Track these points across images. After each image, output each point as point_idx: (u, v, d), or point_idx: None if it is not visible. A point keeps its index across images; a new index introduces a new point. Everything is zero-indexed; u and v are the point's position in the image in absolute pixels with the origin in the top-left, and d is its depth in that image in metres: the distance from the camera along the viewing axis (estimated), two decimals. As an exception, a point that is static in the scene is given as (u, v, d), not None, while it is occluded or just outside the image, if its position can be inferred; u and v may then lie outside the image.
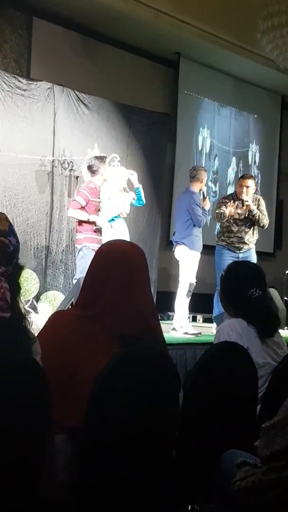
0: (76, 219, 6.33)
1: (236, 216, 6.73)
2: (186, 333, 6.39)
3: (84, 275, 2.27)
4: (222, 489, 1.60)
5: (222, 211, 6.68)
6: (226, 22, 8.78)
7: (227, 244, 6.80)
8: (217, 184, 10.38)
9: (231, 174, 10.58)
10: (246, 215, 6.75)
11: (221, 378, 1.86)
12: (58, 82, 7.92)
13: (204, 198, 6.76)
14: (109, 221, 6.37)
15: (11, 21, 7.87)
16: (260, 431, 1.52)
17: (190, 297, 6.64)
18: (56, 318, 2.11)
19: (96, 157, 6.55)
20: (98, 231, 6.30)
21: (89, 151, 7.45)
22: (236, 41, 9.13)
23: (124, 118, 8.64)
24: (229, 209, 6.64)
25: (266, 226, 6.95)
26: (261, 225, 6.81)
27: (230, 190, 9.96)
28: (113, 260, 2.10)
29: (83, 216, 6.24)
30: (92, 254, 6.00)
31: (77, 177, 7.54)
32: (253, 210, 6.71)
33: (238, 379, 1.87)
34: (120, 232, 6.34)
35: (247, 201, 6.68)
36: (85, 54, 8.49)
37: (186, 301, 6.62)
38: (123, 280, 2.05)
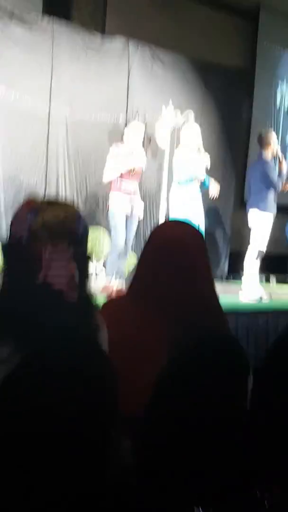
0: None
1: None
2: (261, 297, 6.38)
3: None
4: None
5: None
6: None
7: None
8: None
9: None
10: None
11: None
12: (133, 36, 7.76)
13: (280, 161, 6.61)
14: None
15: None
16: None
17: (260, 261, 6.60)
18: (109, 308, 2.07)
19: None
20: None
21: (163, 108, 7.30)
22: None
23: (200, 75, 8.43)
24: None
25: None
26: None
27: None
28: (164, 248, 2.04)
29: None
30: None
31: (149, 138, 7.42)
32: None
33: None
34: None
35: None
36: (160, 8, 8.26)
37: (257, 264, 6.59)
38: (174, 269, 2.00)
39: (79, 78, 7.23)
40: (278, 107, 9.78)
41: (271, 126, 9.49)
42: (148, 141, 7.64)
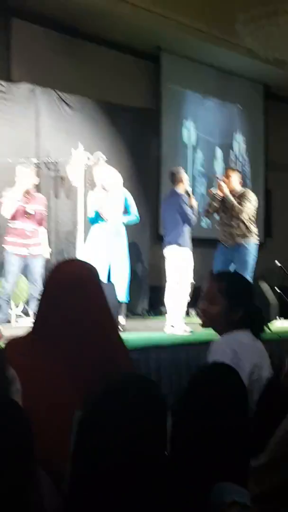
0: None
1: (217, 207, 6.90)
2: (185, 330, 6.49)
3: None
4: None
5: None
6: (206, 13, 8.73)
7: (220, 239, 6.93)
8: (204, 177, 10.36)
9: (217, 166, 10.56)
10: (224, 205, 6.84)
11: (211, 404, 1.85)
12: (39, 82, 7.87)
13: (190, 197, 6.82)
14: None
15: (-12, 23, 7.81)
16: (249, 469, 1.50)
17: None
18: (12, 348, 2.10)
19: None
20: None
21: (73, 150, 7.39)
22: (217, 32, 9.08)
23: (108, 116, 8.61)
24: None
25: (243, 217, 6.85)
26: (235, 213, 6.81)
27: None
28: (62, 284, 2.10)
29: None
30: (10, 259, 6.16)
31: (62, 178, 7.49)
32: (228, 197, 6.78)
33: (228, 404, 1.86)
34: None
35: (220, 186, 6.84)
36: (66, 53, 8.43)
37: (185, 298, 6.71)
38: (70, 305, 2.06)
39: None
40: (185, 143, 10.09)
41: (180, 162, 9.79)
42: (61, 182, 7.71)
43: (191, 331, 6.51)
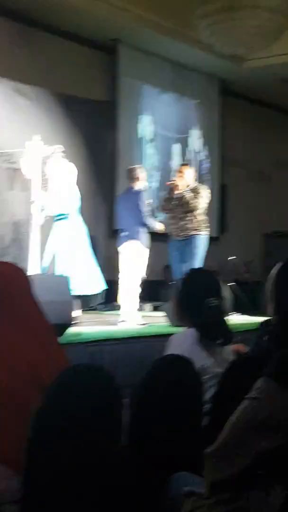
0: None
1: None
2: (138, 323, 6.54)
3: None
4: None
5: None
6: (164, 7, 8.72)
7: (170, 233, 6.96)
8: (160, 171, 10.37)
9: (174, 160, 10.58)
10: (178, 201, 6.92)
11: (167, 395, 1.85)
12: (-6, 72, 7.74)
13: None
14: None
15: None
16: (204, 457, 1.50)
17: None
18: None
19: None
20: None
21: (27, 142, 7.29)
22: (174, 26, 9.08)
23: (64, 108, 8.54)
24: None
25: (195, 212, 6.95)
26: (189, 208, 6.90)
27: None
28: None
29: None
30: None
31: (15, 170, 7.38)
32: (182, 193, 6.89)
33: (183, 396, 1.87)
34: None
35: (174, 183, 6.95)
36: (22, 43, 8.30)
37: (138, 292, 6.74)
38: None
39: None
40: (141, 137, 10.08)
41: (135, 156, 9.79)
42: (15, 174, 7.60)
43: (144, 324, 6.54)
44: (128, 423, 1.81)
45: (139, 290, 6.84)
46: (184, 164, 7.63)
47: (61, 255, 6.36)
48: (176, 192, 6.91)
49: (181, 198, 6.88)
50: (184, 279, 2.89)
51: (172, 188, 6.98)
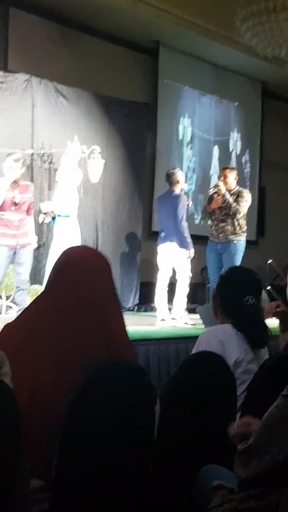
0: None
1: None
2: (186, 323, 6.63)
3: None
4: (199, 509, 1.57)
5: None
6: (205, 9, 8.69)
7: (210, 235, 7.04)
8: (198, 173, 10.35)
9: (213, 163, 10.55)
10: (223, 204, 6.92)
11: (198, 390, 1.83)
12: (36, 73, 7.83)
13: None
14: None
15: (-13, 13, 7.76)
16: (236, 453, 1.48)
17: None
18: (7, 334, 2.06)
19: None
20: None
21: (69, 143, 7.36)
22: (216, 28, 9.04)
23: (104, 109, 8.57)
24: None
25: (237, 216, 6.94)
26: (231, 212, 6.90)
27: (213, 179, 9.98)
28: (70, 270, 2.07)
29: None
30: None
31: (56, 170, 7.44)
32: (226, 197, 6.89)
33: (216, 391, 1.85)
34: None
35: (219, 188, 6.91)
36: (63, 44, 8.38)
37: (186, 292, 6.92)
38: (76, 292, 2.02)
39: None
40: (181, 139, 10.07)
41: (174, 158, 9.79)
42: (55, 174, 7.67)
43: (193, 324, 6.61)
44: (158, 418, 1.81)
45: (187, 290, 6.92)
46: (230, 168, 7.62)
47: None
48: (219, 195, 6.90)
49: (224, 201, 6.89)
50: (224, 276, 2.87)
51: (216, 191, 6.99)
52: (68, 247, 2.32)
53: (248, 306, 2.69)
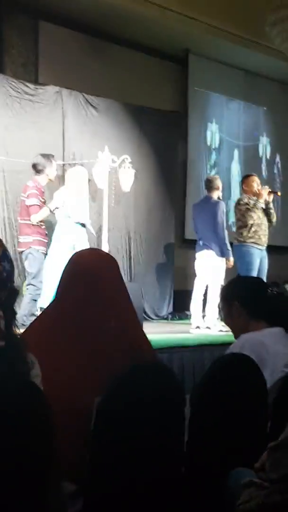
0: (25, 221, 6.32)
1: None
2: (220, 330, 6.60)
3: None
4: (229, 510, 1.56)
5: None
6: (234, 15, 8.70)
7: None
8: (226, 178, 10.32)
9: (241, 168, 10.50)
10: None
11: (229, 392, 1.82)
12: (66, 85, 7.92)
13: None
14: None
15: (17, 26, 7.88)
16: (266, 451, 1.47)
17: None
18: (33, 334, 2.07)
19: (43, 155, 6.51)
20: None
21: (100, 153, 7.41)
22: (245, 34, 9.05)
23: (134, 119, 8.61)
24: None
25: (273, 223, 7.05)
26: (273, 220, 6.98)
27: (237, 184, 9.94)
28: (79, 274, 2.07)
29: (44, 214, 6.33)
30: (42, 257, 6.21)
31: (89, 180, 7.50)
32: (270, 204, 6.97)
33: (246, 393, 1.83)
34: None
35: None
36: (92, 55, 8.46)
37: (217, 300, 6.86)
38: (90, 295, 2.03)
39: (14, 126, 7.29)
40: (208, 146, 10.05)
41: (202, 165, 9.78)
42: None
43: (226, 331, 6.58)
44: (188, 420, 1.80)
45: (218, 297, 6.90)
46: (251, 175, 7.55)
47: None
48: (260, 202, 6.87)
49: (265, 209, 6.91)
50: (229, 283, 2.80)
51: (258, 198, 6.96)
52: (77, 252, 2.35)
53: (274, 297, 2.61)
